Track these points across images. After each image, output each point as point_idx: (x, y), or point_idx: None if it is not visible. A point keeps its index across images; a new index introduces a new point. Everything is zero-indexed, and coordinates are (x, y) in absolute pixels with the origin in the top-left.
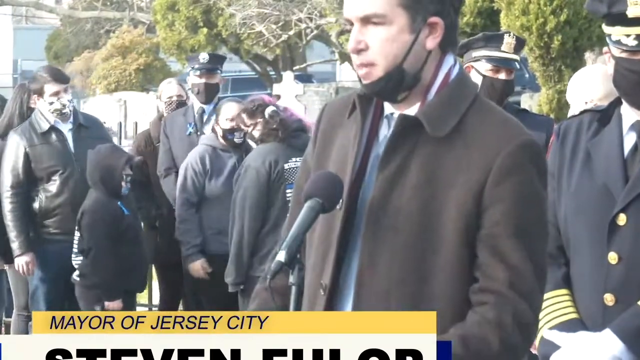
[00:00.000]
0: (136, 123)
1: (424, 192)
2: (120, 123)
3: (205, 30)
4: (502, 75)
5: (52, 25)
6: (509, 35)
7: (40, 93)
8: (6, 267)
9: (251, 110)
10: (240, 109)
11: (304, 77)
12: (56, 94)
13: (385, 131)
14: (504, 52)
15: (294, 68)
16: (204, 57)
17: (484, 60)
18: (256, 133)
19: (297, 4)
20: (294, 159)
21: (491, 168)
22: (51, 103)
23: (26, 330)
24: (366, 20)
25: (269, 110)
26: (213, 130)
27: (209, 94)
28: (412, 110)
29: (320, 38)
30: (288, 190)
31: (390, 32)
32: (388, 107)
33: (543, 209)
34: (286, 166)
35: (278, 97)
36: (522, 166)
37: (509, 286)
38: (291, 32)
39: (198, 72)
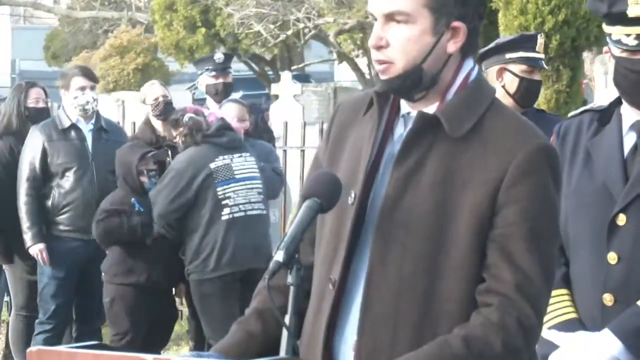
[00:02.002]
0: (134, 123)
1: (439, 191)
2: (118, 123)
3: (203, 30)
4: (536, 76)
5: (50, 25)
6: (541, 36)
7: (67, 87)
8: (4, 267)
9: (174, 121)
10: (240, 109)
11: (302, 77)
12: (82, 88)
13: (400, 130)
14: (538, 52)
15: (292, 68)
16: (219, 57)
17: (520, 61)
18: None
19: (295, 3)
20: (221, 157)
21: (507, 169)
22: (75, 97)
23: (23, 330)
24: (390, 17)
25: (185, 117)
26: None
27: (227, 93)
28: (430, 109)
29: (319, 38)
30: (219, 188)
31: (412, 32)
32: (404, 106)
33: (556, 213)
34: (213, 165)
35: (276, 97)
36: (538, 169)
37: (516, 289)
38: (289, 32)
39: (214, 73)
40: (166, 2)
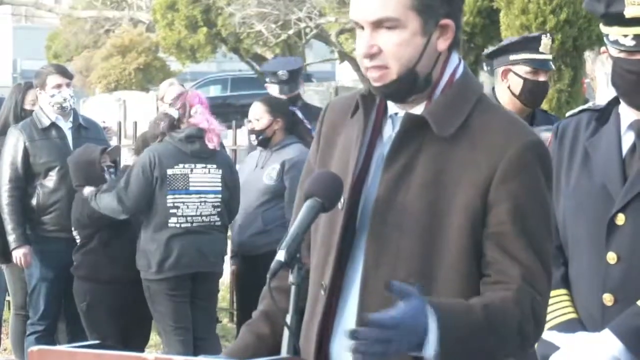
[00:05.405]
0: (136, 122)
1: (430, 191)
2: (120, 122)
3: (204, 29)
4: (541, 77)
5: (52, 24)
6: (546, 36)
7: (42, 86)
8: (3, 266)
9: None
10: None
11: (304, 77)
12: (58, 86)
13: (389, 131)
14: (542, 53)
15: None
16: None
17: (524, 63)
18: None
19: (297, 3)
20: (181, 165)
21: (497, 167)
22: (52, 96)
23: (22, 329)
24: (378, 24)
25: (161, 112)
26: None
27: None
28: (418, 109)
29: (320, 37)
30: (169, 196)
31: (403, 36)
32: (392, 107)
33: (548, 210)
34: (170, 172)
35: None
36: (529, 165)
37: (524, 281)
38: (291, 32)
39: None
40: (167, 2)
